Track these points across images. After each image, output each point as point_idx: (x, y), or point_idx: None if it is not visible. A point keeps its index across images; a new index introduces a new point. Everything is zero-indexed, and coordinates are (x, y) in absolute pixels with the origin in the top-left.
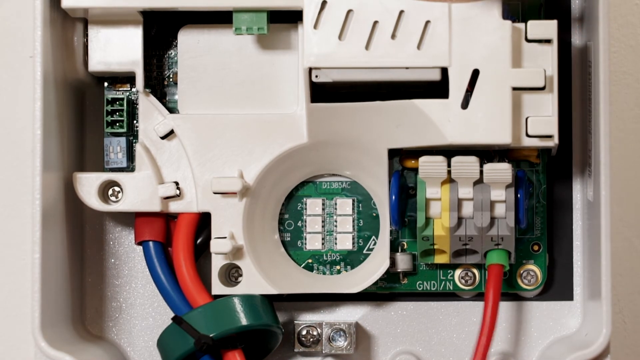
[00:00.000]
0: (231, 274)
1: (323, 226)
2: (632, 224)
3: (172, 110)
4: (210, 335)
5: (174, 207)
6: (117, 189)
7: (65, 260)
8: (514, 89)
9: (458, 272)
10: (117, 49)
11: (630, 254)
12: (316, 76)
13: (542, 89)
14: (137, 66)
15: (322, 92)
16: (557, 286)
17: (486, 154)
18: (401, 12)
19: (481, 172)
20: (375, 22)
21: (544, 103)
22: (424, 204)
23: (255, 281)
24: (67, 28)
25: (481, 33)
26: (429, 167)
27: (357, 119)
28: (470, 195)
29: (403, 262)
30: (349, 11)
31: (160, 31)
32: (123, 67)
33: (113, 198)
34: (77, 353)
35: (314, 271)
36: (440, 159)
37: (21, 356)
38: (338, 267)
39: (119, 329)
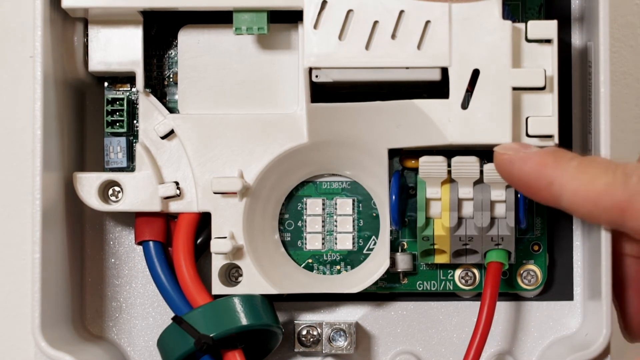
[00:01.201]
0: (231, 274)
1: (323, 226)
2: None
3: (172, 110)
4: (210, 335)
5: (174, 207)
6: (117, 188)
7: (65, 260)
8: (514, 89)
9: (458, 272)
10: (117, 49)
11: None
12: (316, 76)
13: (542, 89)
14: (137, 66)
15: (322, 92)
16: (557, 286)
17: (486, 154)
18: (401, 12)
19: (481, 172)
20: (375, 22)
21: (544, 103)
22: (424, 204)
23: (255, 281)
24: (67, 28)
25: (481, 33)
26: (429, 167)
27: (357, 119)
28: (470, 195)
29: (403, 262)
30: (349, 11)
31: (160, 31)
32: (123, 67)
33: (113, 198)
34: (77, 353)
35: (314, 271)
36: (440, 159)
37: (21, 356)
38: (338, 267)
39: (119, 329)
